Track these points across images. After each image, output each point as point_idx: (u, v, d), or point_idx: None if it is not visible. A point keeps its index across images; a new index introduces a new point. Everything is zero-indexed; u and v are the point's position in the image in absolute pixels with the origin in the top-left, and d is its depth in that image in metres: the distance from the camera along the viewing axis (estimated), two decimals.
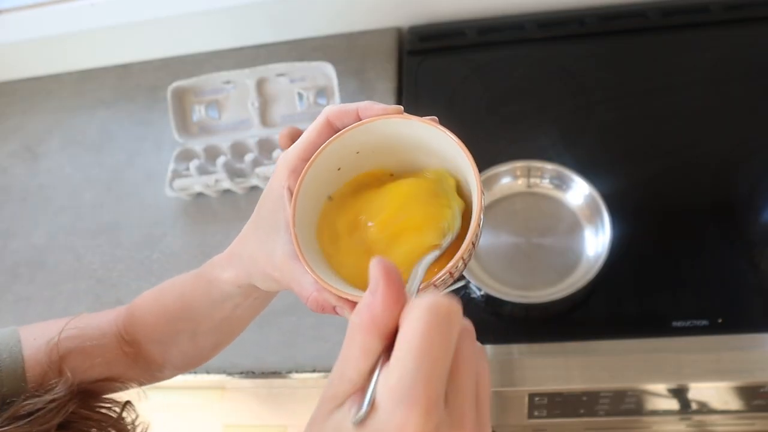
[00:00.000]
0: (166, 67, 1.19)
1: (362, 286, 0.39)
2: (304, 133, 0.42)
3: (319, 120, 0.41)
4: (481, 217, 0.37)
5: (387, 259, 0.30)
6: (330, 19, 1.14)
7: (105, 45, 1.19)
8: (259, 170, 0.95)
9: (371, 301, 0.29)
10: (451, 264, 0.37)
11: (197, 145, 1.02)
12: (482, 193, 0.37)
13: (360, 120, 0.40)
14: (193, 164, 0.97)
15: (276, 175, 0.42)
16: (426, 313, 0.28)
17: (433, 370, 0.28)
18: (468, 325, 0.31)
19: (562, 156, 0.92)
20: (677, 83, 1.00)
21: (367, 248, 0.40)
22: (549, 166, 0.87)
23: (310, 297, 0.40)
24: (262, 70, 1.02)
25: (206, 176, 0.97)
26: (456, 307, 0.29)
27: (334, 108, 0.41)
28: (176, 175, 1.00)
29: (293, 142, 0.44)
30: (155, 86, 1.16)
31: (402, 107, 0.40)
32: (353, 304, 0.38)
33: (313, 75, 1.03)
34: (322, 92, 1.03)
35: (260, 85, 1.03)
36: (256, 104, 1.03)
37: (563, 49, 1.07)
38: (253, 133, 1.03)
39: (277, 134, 1.00)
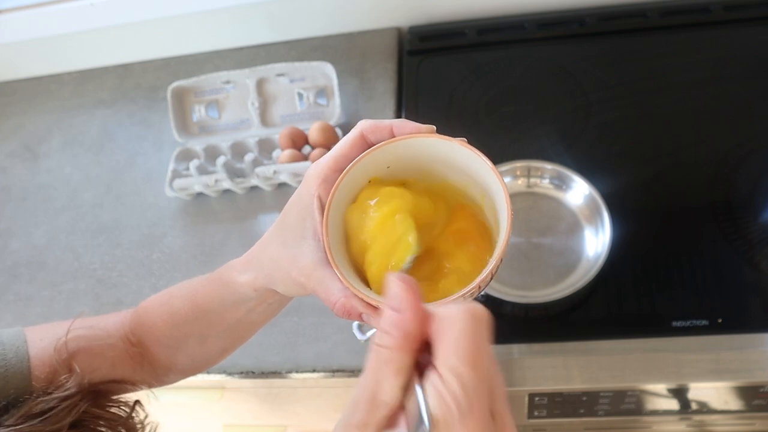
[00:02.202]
0: (166, 67, 1.19)
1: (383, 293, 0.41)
2: (337, 145, 0.43)
3: (353, 133, 0.43)
4: (509, 236, 0.39)
5: (404, 274, 0.31)
6: (330, 19, 1.14)
7: (105, 45, 1.19)
8: (259, 170, 0.95)
9: (399, 318, 0.30)
10: (480, 278, 0.38)
11: (197, 145, 1.02)
12: (512, 213, 0.39)
13: (393, 136, 0.42)
14: (193, 164, 0.97)
15: (306, 183, 0.43)
16: (470, 321, 0.29)
17: (484, 376, 0.29)
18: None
19: (562, 156, 0.92)
20: (677, 83, 1.00)
21: (388, 258, 0.42)
22: (549, 166, 0.87)
23: (337, 303, 0.41)
24: (262, 70, 1.02)
25: (206, 176, 0.97)
26: (487, 313, 0.30)
27: (368, 123, 0.42)
28: (176, 175, 1.00)
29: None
30: (155, 86, 1.16)
31: (434, 127, 0.42)
32: (380, 311, 0.39)
33: (313, 75, 1.03)
34: (322, 92, 1.03)
35: (260, 85, 1.03)
36: (256, 104, 1.03)
37: (563, 49, 1.07)
38: (253, 133, 1.03)
39: (277, 134, 1.00)
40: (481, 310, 0.29)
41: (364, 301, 0.39)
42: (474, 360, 0.28)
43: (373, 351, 0.30)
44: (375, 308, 0.40)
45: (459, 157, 0.42)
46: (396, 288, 0.30)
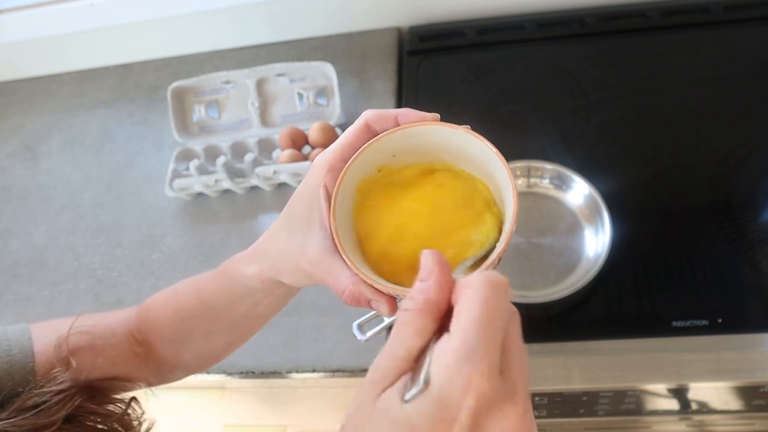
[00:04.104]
0: (166, 67, 1.19)
1: (394, 280, 0.41)
2: (342, 135, 0.43)
3: (358, 123, 0.43)
4: (517, 216, 0.40)
5: (435, 250, 0.33)
6: (330, 19, 1.14)
7: (105, 45, 1.19)
8: (259, 170, 0.95)
9: (425, 286, 0.32)
10: (488, 262, 0.39)
11: (197, 145, 1.02)
12: (517, 195, 0.39)
13: (398, 125, 0.42)
14: (193, 164, 0.97)
15: (312, 173, 0.44)
16: (484, 284, 0.31)
17: (493, 336, 0.30)
18: (514, 308, 0.33)
19: (562, 156, 0.92)
20: (677, 83, 1.00)
21: (402, 245, 0.42)
22: (549, 166, 0.87)
23: (346, 290, 0.41)
24: (262, 70, 1.02)
25: (206, 176, 0.97)
26: (507, 281, 0.32)
27: (373, 112, 0.43)
28: (176, 175, 1.00)
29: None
30: (155, 86, 1.16)
31: (438, 115, 0.42)
32: (388, 297, 0.40)
33: (313, 75, 1.03)
34: (322, 92, 1.03)
35: (260, 85, 1.03)
36: (256, 104, 1.03)
37: (563, 49, 1.07)
38: (253, 133, 1.03)
39: (277, 134, 1.00)
40: (499, 276, 0.31)
41: (373, 288, 0.40)
42: (482, 319, 0.30)
43: (398, 316, 0.32)
44: (383, 294, 0.40)
45: (463, 144, 0.42)
46: (426, 260, 0.33)
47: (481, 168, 0.43)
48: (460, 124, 0.42)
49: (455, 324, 0.30)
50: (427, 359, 0.30)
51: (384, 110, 0.42)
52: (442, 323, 0.31)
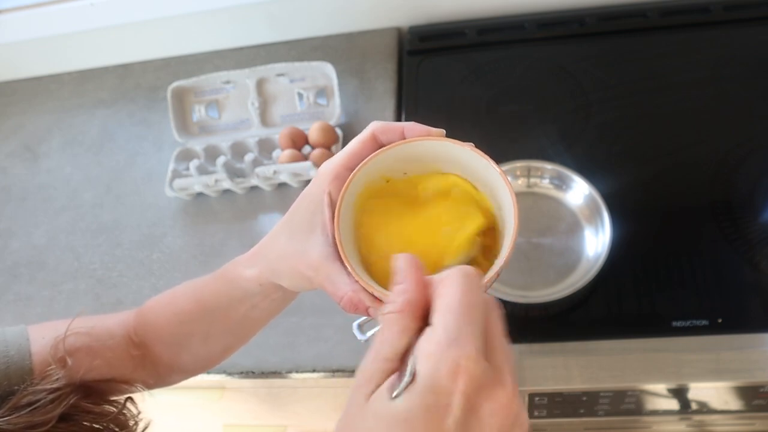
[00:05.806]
0: (166, 67, 1.19)
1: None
2: (349, 144, 0.44)
3: (365, 133, 0.44)
4: (517, 235, 0.41)
5: (408, 253, 0.34)
6: (330, 19, 1.14)
7: (105, 45, 1.19)
8: (259, 170, 0.95)
9: (402, 287, 0.33)
10: (490, 275, 0.40)
11: (197, 145, 1.02)
12: (519, 216, 0.40)
13: (404, 138, 0.43)
14: (193, 164, 0.97)
15: (317, 180, 0.44)
16: (459, 276, 0.32)
17: (474, 320, 0.31)
18: (494, 301, 0.34)
19: (562, 156, 0.92)
20: (677, 83, 1.00)
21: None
22: (549, 166, 0.87)
23: (344, 297, 0.42)
24: (262, 70, 1.02)
25: (206, 176, 0.97)
26: (480, 273, 0.34)
27: (380, 124, 0.44)
28: (176, 175, 1.00)
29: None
30: (155, 86, 1.16)
31: (444, 130, 0.43)
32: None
33: (313, 75, 1.03)
34: (322, 92, 1.03)
35: (260, 85, 1.03)
36: (256, 104, 1.03)
37: (563, 49, 1.07)
38: (253, 133, 1.03)
39: (277, 134, 1.00)
40: (471, 269, 0.33)
41: (372, 296, 0.40)
42: (460, 306, 0.31)
43: (382, 319, 0.33)
44: (381, 302, 0.41)
45: (467, 160, 0.43)
46: (400, 263, 0.34)
47: (484, 183, 0.44)
48: (457, 135, 0.43)
49: (435, 316, 0.31)
50: (412, 357, 0.31)
51: (391, 123, 0.44)
52: (424, 322, 0.32)
